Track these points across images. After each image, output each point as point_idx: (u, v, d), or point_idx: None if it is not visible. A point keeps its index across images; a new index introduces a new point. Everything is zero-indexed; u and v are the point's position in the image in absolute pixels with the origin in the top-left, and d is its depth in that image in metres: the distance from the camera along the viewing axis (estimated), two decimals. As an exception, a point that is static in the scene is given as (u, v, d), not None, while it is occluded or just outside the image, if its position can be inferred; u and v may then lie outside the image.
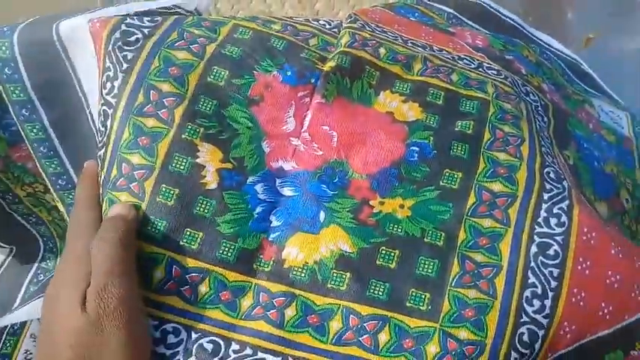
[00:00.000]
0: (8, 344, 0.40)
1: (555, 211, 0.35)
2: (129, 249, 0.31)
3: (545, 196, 0.35)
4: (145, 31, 0.36)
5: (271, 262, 0.33)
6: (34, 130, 0.38)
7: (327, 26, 0.41)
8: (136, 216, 0.32)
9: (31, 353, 0.40)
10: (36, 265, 0.44)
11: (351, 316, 0.32)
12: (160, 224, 0.32)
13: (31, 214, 0.44)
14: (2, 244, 0.43)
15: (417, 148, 0.36)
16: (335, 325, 0.32)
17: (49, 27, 0.37)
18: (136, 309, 0.30)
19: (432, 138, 0.37)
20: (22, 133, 0.38)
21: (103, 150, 0.34)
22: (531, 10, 0.70)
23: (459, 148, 0.36)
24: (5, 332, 0.40)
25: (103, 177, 0.34)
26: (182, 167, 0.33)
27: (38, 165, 0.39)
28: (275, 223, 0.34)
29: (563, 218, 0.34)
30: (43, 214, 0.44)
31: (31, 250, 0.44)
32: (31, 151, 0.39)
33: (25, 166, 0.41)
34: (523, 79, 0.45)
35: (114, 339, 0.29)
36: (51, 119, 0.38)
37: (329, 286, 0.33)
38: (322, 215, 0.34)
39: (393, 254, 0.33)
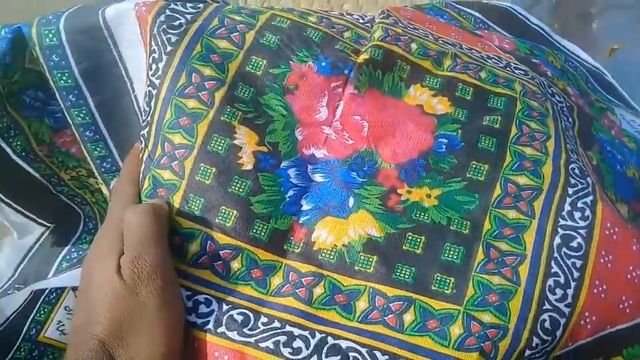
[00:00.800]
0: (42, 312, 0.41)
1: (580, 205, 0.36)
2: (161, 221, 0.33)
3: (570, 191, 0.36)
4: (188, 17, 0.37)
5: (301, 244, 0.35)
6: (81, 115, 0.39)
7: (361, 20, 0.42)
8: (168, 208, 0.34)
9: (63, 325, 0.41)
10: (71, 243, 0.45)
11: (377, 296, 0.33)
12: (198, 202, 0.34)
13: (76, 196, 0.45)
14: (46, 223, 0.45)
15: (446, 140, 0.38)
16: (361, 304, 0.33)
17: (95, 13, 0.38)
18: (169, 277, 0.31)
19: (460, 131, 0.38)
20: (68, 119, 0.40)
21: (147, 129, 0.36)
22: (556, 18, 0.71)
23: (487, 142, 0.37)
24: (41, 299, 0.41)
25: (146, 155, 0.36)
26: (220, 147, 0.35)
27: (83, 149, 0.41)
28: (305, 207, 0.36)
29: (587, 212, 0.35)
30: (87, 195, 0.45)
31: (69, 228, 0.46)
32: (77, 136, 0.40)
33: (69, 152, 0.42)
34: (549, 81, 0.46)
35: (150, 303, 0.30)
36: (97, 104, 0.39)
37: (356, 268, 0.34)
38: (351, 201, 0.36)
39: (419, 240, 0.35)
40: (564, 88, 0.48)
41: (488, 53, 0.45)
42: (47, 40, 0.38)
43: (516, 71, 0.43)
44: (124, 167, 0.37)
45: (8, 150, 0.39)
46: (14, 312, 0.39)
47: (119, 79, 0.39)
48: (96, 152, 0.41)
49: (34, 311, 0.40)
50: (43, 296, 0.41)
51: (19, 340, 0.37)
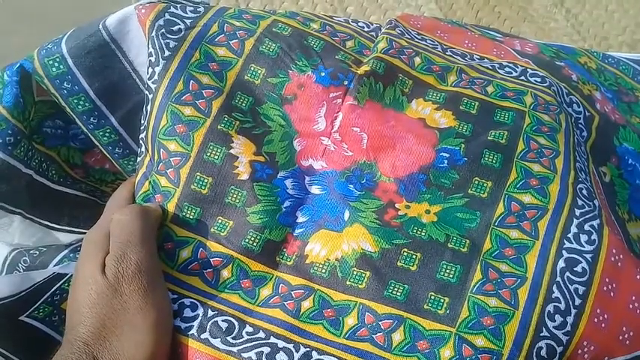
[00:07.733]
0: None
1: (586, 228, 0.34)
2: (149, 223, 0.32)
3: (577, 212, 0.34)
4: (187, 22, 0.37)
5: (294, 257, 0.34)
6: (106, 135, 0.39)
7: (366, 29, 0.41)
8: (160, 212, 0.34)
9: None
10: None
11: (367, 313, 0.32)
12: (194, 211, 0.34)
13: None
14: None
15: (447, 155, 0.36)
16: (350, 320, 0.33)
17: (96, 29, 0.37)
18: (154, 278, 0.31)
19: (463, 145, 0.36)
20: (94, 140, 0.39)
21: (145, 133, 0.36)
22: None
23: (491, 157, 0.36)
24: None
25: (148, 159, 0.36)
26: (216, 157, 0.35)
27: (117, 165, 0.41)
28: (301, 219, 0.35)
29: (594, 236, 0.34)
30: None
31: None
32: (107, 154, 0.40)
33: (103, 168, 0.42)
34: (571, 87, 0.43)
35: (132, 303, 0.30)
36: (119, 120, 0.39)
37: (348, 283, 0.33)
38: (347, 214, 0.35)
39: (414, 257, 0.34)
40: (590, 94, 0.45)
41: (503, 61, 0.43)
42: (54, 69, 0.37)
43: (532, 79, 0.42)
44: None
45: (47, 182, 0.39)
46: (43, 279, 0.37)
47: (135, 90, 0.39)
48: (129, 166, 0.41)
49: (63, 280, 0.38)
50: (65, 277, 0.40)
51: (40, 301, 0.36)
